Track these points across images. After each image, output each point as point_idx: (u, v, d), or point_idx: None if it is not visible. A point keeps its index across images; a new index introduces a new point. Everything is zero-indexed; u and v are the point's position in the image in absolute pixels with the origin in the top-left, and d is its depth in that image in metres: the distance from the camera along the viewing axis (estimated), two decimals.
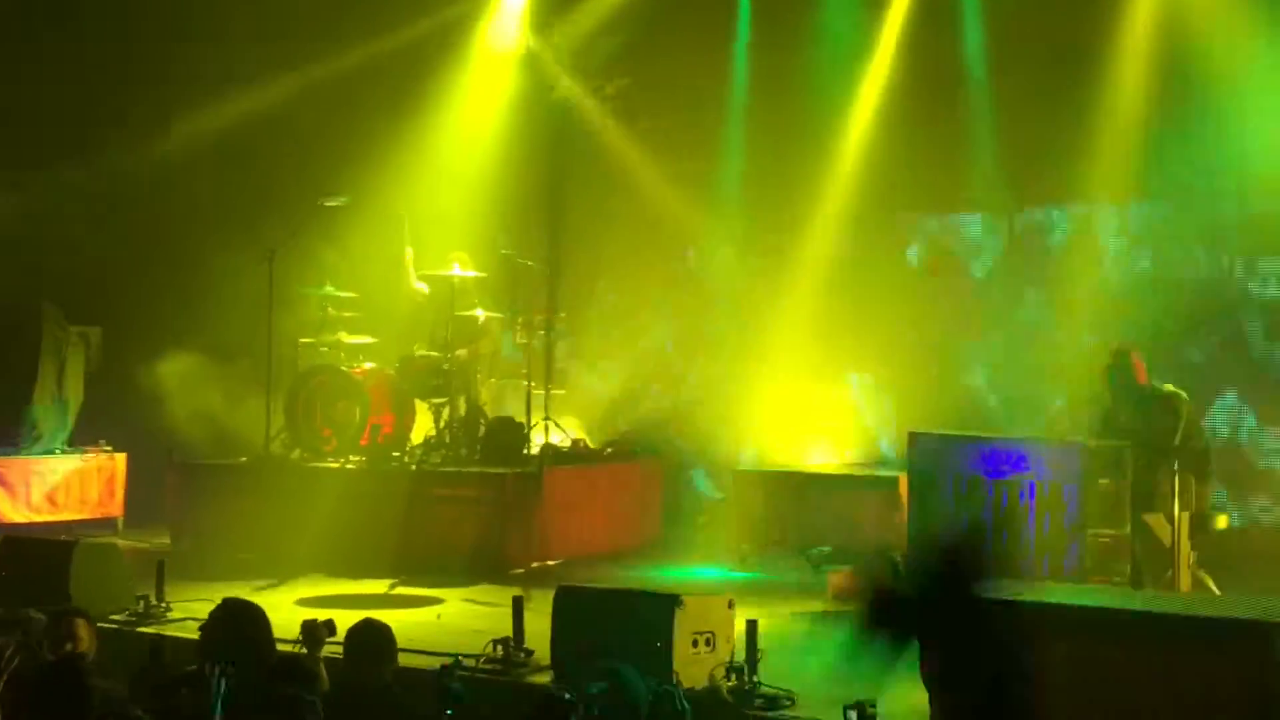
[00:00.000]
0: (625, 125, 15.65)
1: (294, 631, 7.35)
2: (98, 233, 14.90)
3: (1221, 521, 10.02)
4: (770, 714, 7.39)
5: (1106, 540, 9.37)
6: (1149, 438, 9.71)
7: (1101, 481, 9.39)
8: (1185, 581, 9.50)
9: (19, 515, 13.71)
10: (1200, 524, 9.73)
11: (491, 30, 16.22)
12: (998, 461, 9.60)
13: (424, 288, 14.01)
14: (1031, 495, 9.32)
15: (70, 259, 14.78)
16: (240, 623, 6.90)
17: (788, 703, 7.46)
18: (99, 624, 7.85)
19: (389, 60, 15.46)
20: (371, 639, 6.96)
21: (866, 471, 13.51)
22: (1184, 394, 10.10)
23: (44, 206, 15.12)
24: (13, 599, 9.63)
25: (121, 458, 14.66)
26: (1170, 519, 9.53)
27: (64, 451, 14.65)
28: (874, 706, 6.55)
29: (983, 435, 12.04)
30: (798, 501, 12.50)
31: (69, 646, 7.11)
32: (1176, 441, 9.69)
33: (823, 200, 14.52)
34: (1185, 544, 9.56)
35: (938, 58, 13.91)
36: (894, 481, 11.80)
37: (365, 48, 15.37)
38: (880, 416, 14.71)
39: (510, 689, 7.94)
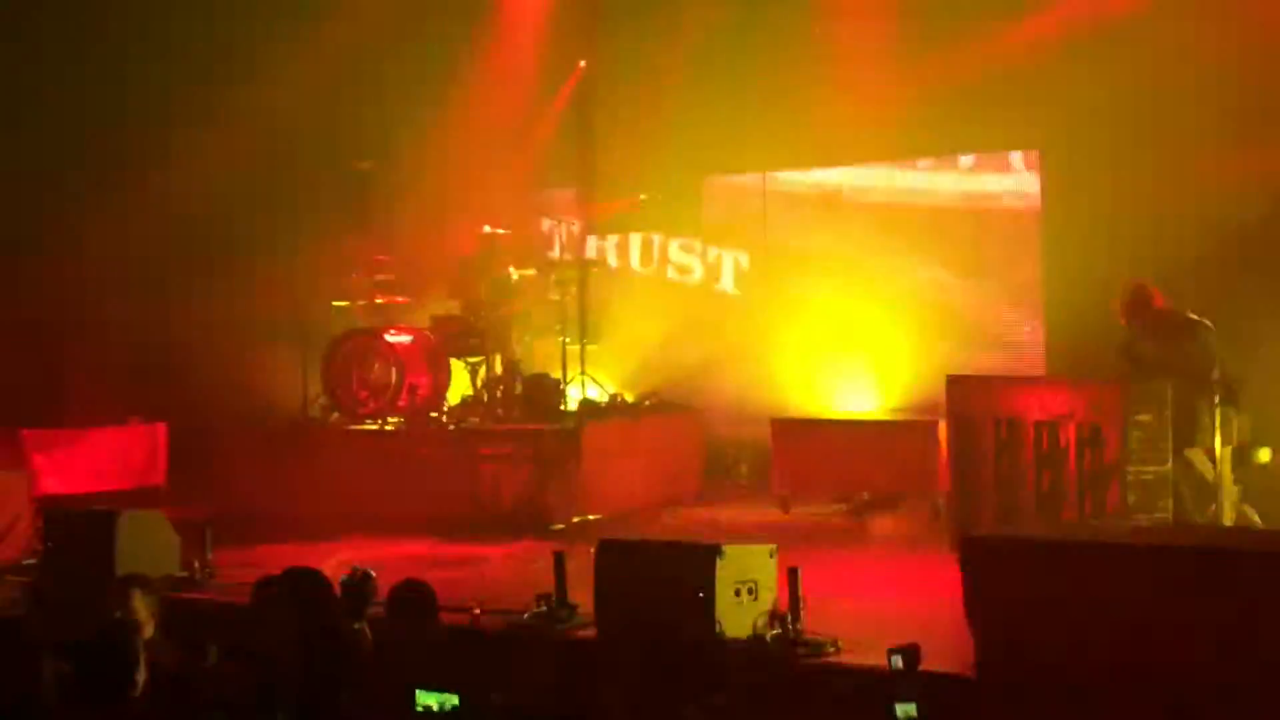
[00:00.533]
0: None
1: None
2: (137, 211, 14.94)
3: (1264, 455, 9.92)
4: (815, 660, 7.39)
5: (1149, 477, 9.31)
6: (1185, 367, 9.61)
7: (1142, 418, 9.29)
8: (1229, 516, 9.44)
9: (62, 486, 13.78)
10: (1242, 458, 9.65)
11: None
12: (1037, 401, 9.55)
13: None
14: (1072, 434, 9.26)
15: (108, 222, 14.83)
16: (303, 592, 6.91)
17: (832, 649, 7.46)
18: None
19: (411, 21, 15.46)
20: (413, 598, 7.00)
21: (905, 416, 13.48)
22: (1209, 322, 9.96)
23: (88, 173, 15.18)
24: (59, 571, 9.74)
25: (161, 427, 14.71)
26: (1211, 455, 9.47)
27: (107, 423, 14.70)
28: (918, 649, 6.54)
29: (1021, 376, 12.03)
30: (838, 447, 12.47)
31: (119, 614, 7.15)
32: (1215, 374, 9.59)
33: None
34: (1229, 478, 9.49)
35: None
36: (933, 426, 11.75)
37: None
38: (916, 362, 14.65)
39: (554, 643, 7.97)
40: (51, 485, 13.35)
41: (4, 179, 14.69)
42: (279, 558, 10.65)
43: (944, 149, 14.58)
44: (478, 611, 8.24)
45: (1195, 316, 9.98)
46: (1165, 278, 11.37)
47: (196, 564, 9.88)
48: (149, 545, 9.83)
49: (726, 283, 15.93)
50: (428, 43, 15.57)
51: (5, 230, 14.70)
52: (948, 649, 7.11)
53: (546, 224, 14.79)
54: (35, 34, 14.78)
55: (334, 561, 9.85)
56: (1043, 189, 14.14)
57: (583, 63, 16.15)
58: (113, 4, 14.93)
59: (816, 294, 14.90)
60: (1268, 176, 11.87)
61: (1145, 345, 10.00)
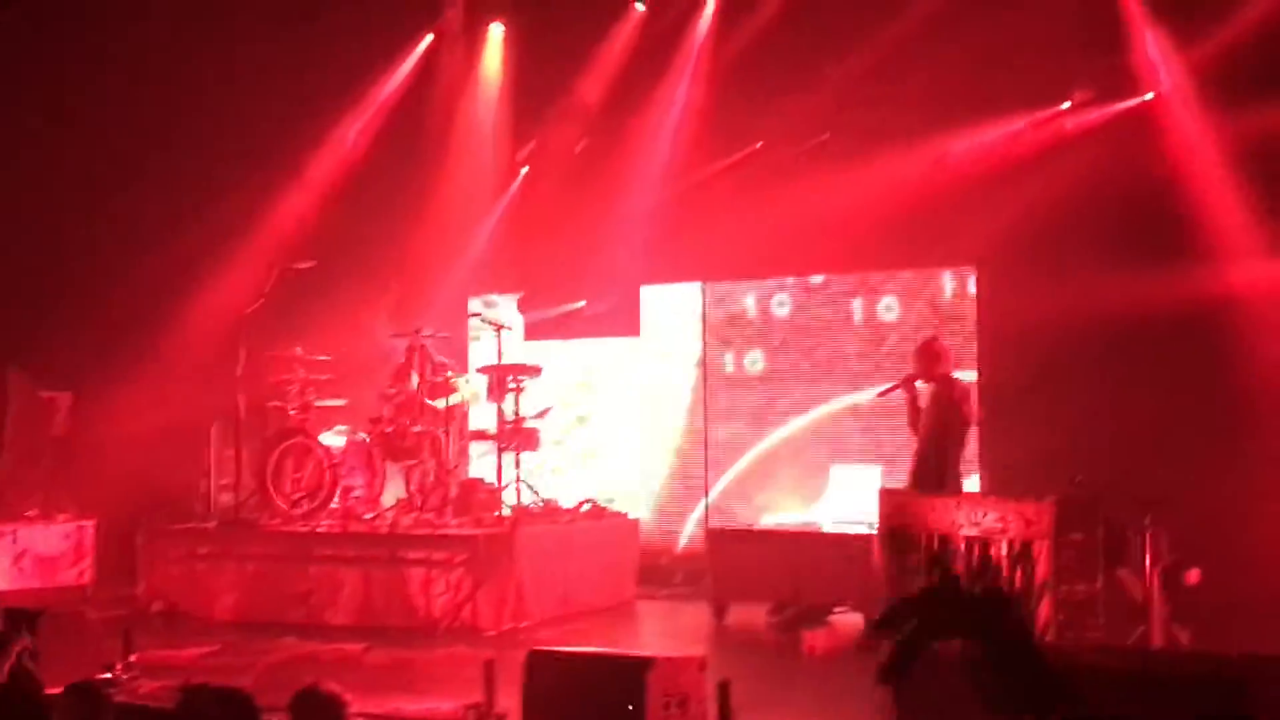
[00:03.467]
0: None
1: (270, 699, 7.25)
2: (69, 296, 14.87)
3: (1193, 576, 9.99)
4: None
5: (1080, 596, 9.35)
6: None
7: (1073, 536, 9.36)
8: (1159, 637, 9.48)
9: None
10: (1170, 578, 9.72)
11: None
12: (969, 517, 9.59)
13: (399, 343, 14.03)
14: (1004, 551, 9.30)
15: (40, 323, 14.74)
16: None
17: None
18: None
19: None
20: (319, 707, 6.88)
21: (839, 528, 13.50)
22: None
23: (16, 269, 15.11)
24: None
25: (90, 524, 14.56)
26: (1141, 574, 9.54)
27: (32, 519, 14.53)
28: None
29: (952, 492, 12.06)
30: (773, 557, 12.44)
31: None
32: None
33: None
34: (1158, 599, 9.55)
35: None
36: (868, 539, 11.77)
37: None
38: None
39: None
40: None
41: None
42: (205, 661, 10.58)
43: (883, 264, 14.71)
44: None
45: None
46: (1098, 388, 11.58)
47: (119, 665, 9.71)
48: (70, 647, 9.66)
49: (667, 391, 15.95)
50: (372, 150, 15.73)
51: None
52: None
53: (484, 328, 14.77)
54: None
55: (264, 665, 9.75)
56: (979, 302, 14.28)
57: (524, 169, 16.27)
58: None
59: (755, 404, 14.99)
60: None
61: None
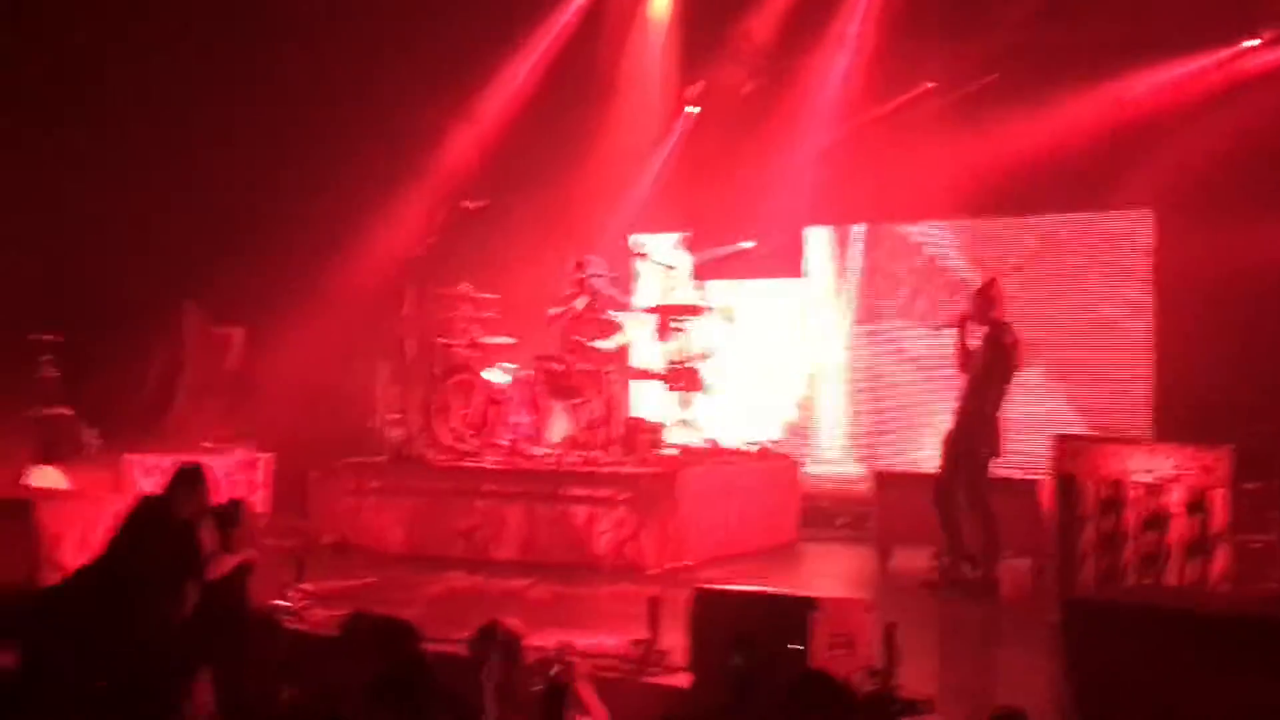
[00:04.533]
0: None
1: (434, 630, 7.37)
2: (243, 233, 15.15)
3: None
4: (910, 718, 7.29)
5: (1258, 546, 9.15)
6: None
7: (1249, 485, 9.15)
8: None
9: None
10: None
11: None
12: (1143, 464, 9.40)
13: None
14: (1177, 499, 9.11)
15: (215, 260, 15.05)
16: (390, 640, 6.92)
17: (926, 707, 7.36)
18: None
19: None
20: (499, 641, 6.98)
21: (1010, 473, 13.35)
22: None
23: (192, 207, 15.45)
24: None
25: (268, 457, 14.88)
26: None
27: (210, 450, 14.89)
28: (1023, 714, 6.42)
29: (1127, 437, 11.88)
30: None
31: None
32: None
33: None
34: None
35: None
36: (1036, 485, 11.62)
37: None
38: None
39: (646, 689, 7.93)
40: None
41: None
42: (373, 592, 10.78)
43: (1055, 207, 14.47)
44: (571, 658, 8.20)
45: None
46: (1276, 334, 11.28)
47: (292, 593, 9.93)
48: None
49: (829, 333, 15.88)
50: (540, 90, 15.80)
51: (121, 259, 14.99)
52: (1044, 712, 6.99)
53: (651, 267, 14.77)
54: None
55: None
56: (1156, 247, 13.98)
57: (692, 109, 16.22)
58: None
59: (920, 347, 14.84)
60: None
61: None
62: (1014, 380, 11.36)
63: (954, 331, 11.51)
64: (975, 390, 11.28)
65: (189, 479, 8.20)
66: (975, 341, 11.34)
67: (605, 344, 13.72)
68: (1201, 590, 8.64)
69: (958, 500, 11.25)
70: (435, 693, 6.02)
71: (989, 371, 11.21)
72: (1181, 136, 12.87)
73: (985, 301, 11.35)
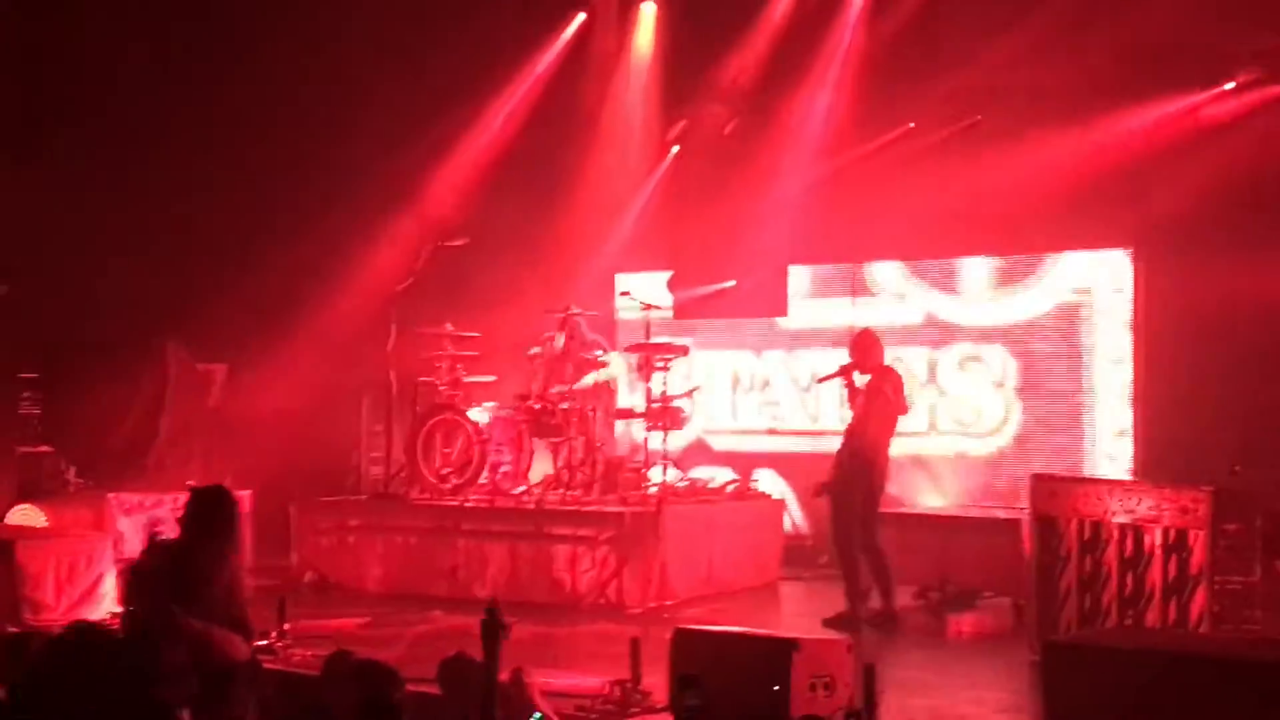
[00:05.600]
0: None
1: (416, 670, 7.35)
2: (226, 270, 15.16)
3: None
4: None
5: (1237, 587, 9.15)
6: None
7: (1229, 526, 9.16)
8: None
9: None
10: None
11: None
12: (1122, 504, 9.42)
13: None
14: (1157, 539, 9.13)
15: (197, 297, 15.05)
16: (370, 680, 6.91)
17: None
18: None
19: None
20: (465, 674, 7.00)
21: (988, 514, 13.41)
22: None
23: (174, 245, 15.45)
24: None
25: (247, 494, 14.84)
26: None
27: (191, 487, 14.85)
28: None
29: (1106, 478, 11.92)
30: (920, 541, 12.35)
31: None
32: None
33: None
34: None
35: None
36: (1017, 524, 11.65)
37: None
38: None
39: None
40: (135, 548, 13.47)
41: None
42: (354, 631, 10.75)
43: (1035, 246, 14.54)
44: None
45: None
46: (1257, 375, 11.31)
47: (274, 633, 9.90)
48: None
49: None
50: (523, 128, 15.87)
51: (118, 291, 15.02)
52: None
53: (632, 306, 14.80)
54: None
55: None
56: (1135, 287, 14.05)
57: (675, 148, 16.28)
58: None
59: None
60: None
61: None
62: (899, 422, 11.84)
63: (839, 380, 11.89)
64: (859, 433, 11.66)
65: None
66: (861, 379, 11.73)
67: (584, 382, 13.71)
68: (1182, 631, 8.65)
69: (855, 539, 11.55)
70: None
71: (878, 414, 11.63)
72: (1160, 177, 12.96)
73: (863, 350, 11.82)
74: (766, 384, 16.13)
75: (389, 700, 6.25)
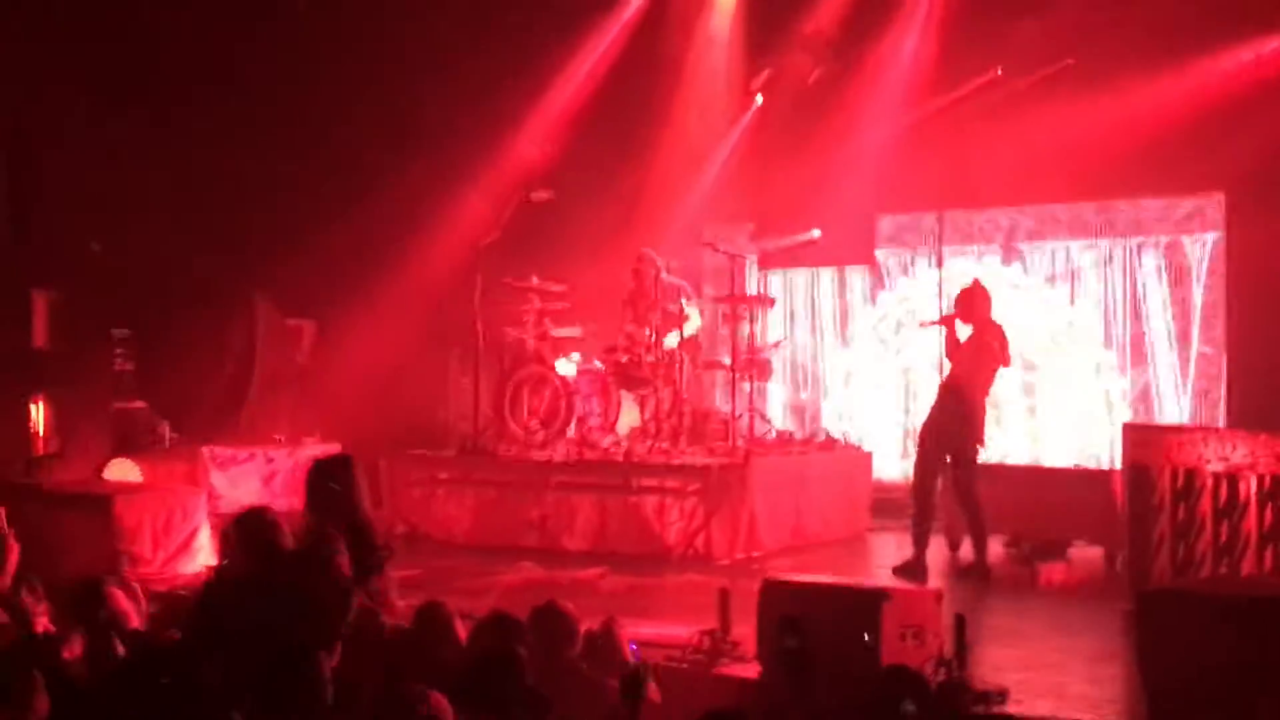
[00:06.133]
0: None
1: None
2: (312, 226, 15.26)
3: None
4: (981, 709, 7.26)
5: None
6: None
7: None
8: None
9: (238, 503, 14.11)
10: None
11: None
12: (1216, 452, 9.30)
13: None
14: (1252, 487, 9.01)
15: (285, 253, 15.17)
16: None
17: (999, 698, 7.33)
18: None
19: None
20: (554, 623, 7.05)
21: (1080, 464, 13.31)
22: None
23: (261, 201, 15.57)
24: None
25: (336, 449, 14.99)
26: None
27: (281, 443, 15.04)
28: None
29: (1199, 425, 11.78)
30: (1012, 493, 12.25)
31: (102, 614, 7.25)
32: None
33: None
34: None
35: None
36: (1109, 475, 11.55)
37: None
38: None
39: (715, 679, 7.94)
40: (229, 502, 13.68)
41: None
42: (446, 580, 10.84)
43: (1125, 191, 14.35)
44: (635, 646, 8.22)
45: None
46: None
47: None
48: None
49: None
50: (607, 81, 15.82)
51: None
52: (1119, 704, 6.97)
53: (718, 257, 14.76)
54: None
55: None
56: (1228, 232, 13.85)
57: (759, 99, 16.18)
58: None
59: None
60: None
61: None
62: (997, 377, 11.82)
63: (941, 329, 11.87)
64: (960, 385, 11.57)
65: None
66: (964, 330, 11.64)
67: (668, 343, 13.65)
68: (1277, 579, 8.54)
69: (935, 491, 11.57)
70: (522, 687, 6.04)
71: (974, 369, 11.55)
72: (1256, 119, 12.71)
73: (968, 304, 11.67)
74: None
75: (514, 653, 6.28)
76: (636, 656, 7.06)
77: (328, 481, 8.23)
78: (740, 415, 13.49)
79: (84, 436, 14.58)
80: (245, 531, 7.58)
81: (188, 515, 11.61)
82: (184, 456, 14.37)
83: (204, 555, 11.35)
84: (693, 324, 13.91)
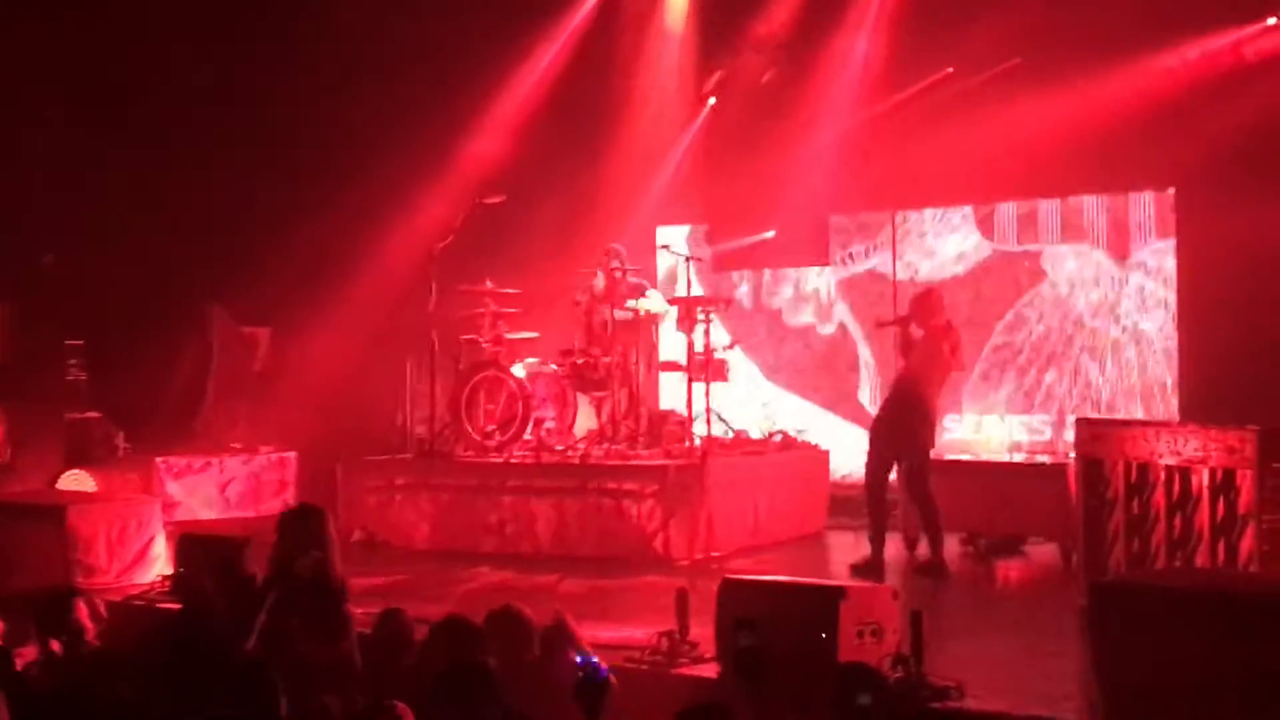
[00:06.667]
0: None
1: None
2: (267, 233, 15.21)
3: None
4: (939, 705, 7.29)
5: None
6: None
7: (1276, 465, 9.09)
8: None
9: (193, 513, 14.07)
10: None
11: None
12: (1169, 446, 9.36)
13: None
14: (1204, 480, 9.07)
15: (240, 261, 15.12)
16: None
17: (956, 694, 7.36)
18: None
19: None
20: (511, 627, 7.05)
21: (1033, 459, 13.37)
22: None
23: (216, 209, 15.52)
24: (189, 593, 9.90)
25: (292, 456, 14.97)
26: None
27: (237, 450, 15.00)
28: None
29: (1152, 420, 11.85)
30: (966, 488, 12.30)
31: (68, 626, 7.24)
32: None
33: None
34: None
35: None
36: (1063, 469, 11.62)
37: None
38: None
39: (674, 680, 7.95)
40: (184, 511, 13.64)
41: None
42: (404, 586, 10.82)
43: (1076, 188, 14.45)
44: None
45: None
46: None
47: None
48: None
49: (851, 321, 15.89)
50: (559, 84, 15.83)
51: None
52: (1076, 699, 7.01)
53: (673, 259, 14.77)
54: None
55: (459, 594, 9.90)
56: (1178, 227, 13.96)
57: (711, 100, 16.21)
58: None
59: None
60: None
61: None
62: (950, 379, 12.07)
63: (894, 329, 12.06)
64: (911, 384, 11.66)
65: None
66: (918, 332, 11.67)
67: (633, 304, 13.65)
68: (1231, 571, 8.60)
69: (886, 487, 11.69)
70: (494, 694, 6.04)
71: (926, 370, 11.63)
72: (1202, 115, 12.81)
73: (926, 309, 11.73)
74: None
75: (485, 665, 6.27)
76: (595, 664, 7.06)
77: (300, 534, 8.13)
78: (697, 416, 13.51)
79: (38, 447, 14.48)
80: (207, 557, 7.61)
81: (143, 525, 11.55)
82: (138, 467, 14.31)
83: (159, 565, 11.29)
84: (647, 302, 13.86)
